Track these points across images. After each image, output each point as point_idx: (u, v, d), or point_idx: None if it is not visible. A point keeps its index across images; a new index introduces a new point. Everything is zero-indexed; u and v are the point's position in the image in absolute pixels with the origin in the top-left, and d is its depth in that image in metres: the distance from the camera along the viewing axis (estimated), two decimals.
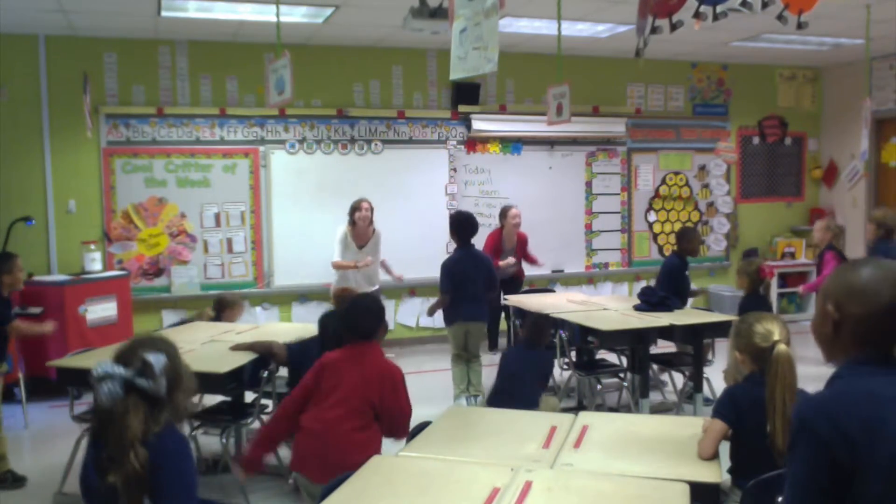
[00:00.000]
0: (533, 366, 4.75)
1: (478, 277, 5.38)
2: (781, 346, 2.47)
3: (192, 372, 2.24)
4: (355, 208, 6.35)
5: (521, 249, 6.99)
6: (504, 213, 6.90)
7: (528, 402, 4.48)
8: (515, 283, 6.94)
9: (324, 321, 4.13)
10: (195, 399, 2.25)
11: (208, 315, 5.40)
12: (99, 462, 2.04)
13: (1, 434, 4.36)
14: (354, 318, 3.25)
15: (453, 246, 5.72)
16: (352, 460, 2.79)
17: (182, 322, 5.52)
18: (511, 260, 6.80)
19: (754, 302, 5.07)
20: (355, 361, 3.13)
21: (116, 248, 6.75)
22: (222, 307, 5.38)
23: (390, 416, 3.10)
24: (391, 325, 7.57)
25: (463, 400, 5.46)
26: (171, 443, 2.10)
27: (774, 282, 8.16)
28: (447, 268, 5.43)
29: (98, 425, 2.09)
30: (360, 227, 6.36)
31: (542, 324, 5.00)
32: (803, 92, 9.16)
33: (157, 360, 2.07)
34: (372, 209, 6.37)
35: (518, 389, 4.61)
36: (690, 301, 6.01)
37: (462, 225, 5.52)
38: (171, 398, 2.11)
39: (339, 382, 3.08)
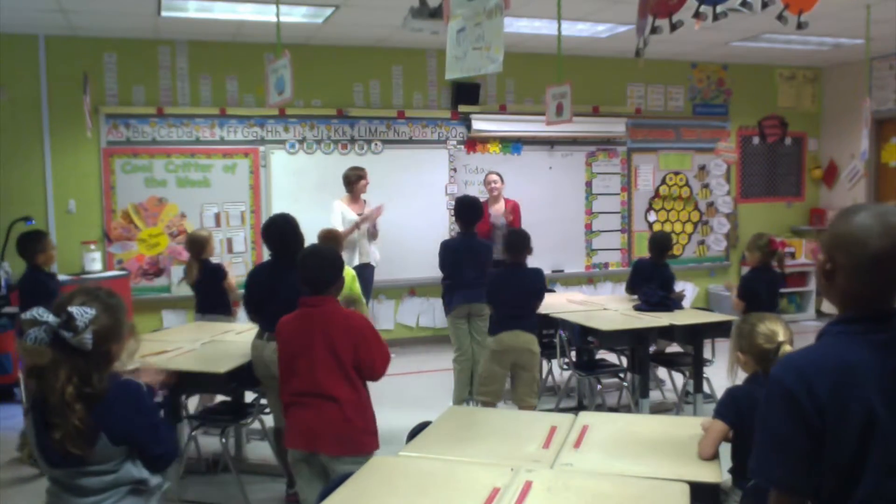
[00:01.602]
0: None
1: (474, 264, 5.26)
2: (787, 348, 2.47)
3: (132, 325, 2.20)
4: (360, 177, 6.50)
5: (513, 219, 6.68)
6: (483, 181, 6.95)
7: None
8: None
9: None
10: (134, 350, 2.22)
11: (193, 273, 5.16)
12: (39, 422, 2.05)
13: None
14: (314, 270, 3.05)
15: None
16: (352, 424, 2.90)
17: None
18: (501, 216, 6.50)
19: (762, 276, 4.86)
20: (316, 321, 2.99)
21: (116, 248, 6.75)
22: (201, 248, 5.15)
23: (370, 368, 2.99)
24: (391, 325, 7.59)
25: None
26: (126, 398, 2.11)
27: None
28: (442, 248, 5.38)
29: (34, 384, 2.07)
30: (358, 196, 6.52)
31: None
32: (803, 92, 9.16)
33: (82, 312, 2.00)
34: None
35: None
36: (690, 301, 5.97)
37: (465, 209, 5.41)
38: (100, 352, 2.05)
39: (308, 346, 2.96)
